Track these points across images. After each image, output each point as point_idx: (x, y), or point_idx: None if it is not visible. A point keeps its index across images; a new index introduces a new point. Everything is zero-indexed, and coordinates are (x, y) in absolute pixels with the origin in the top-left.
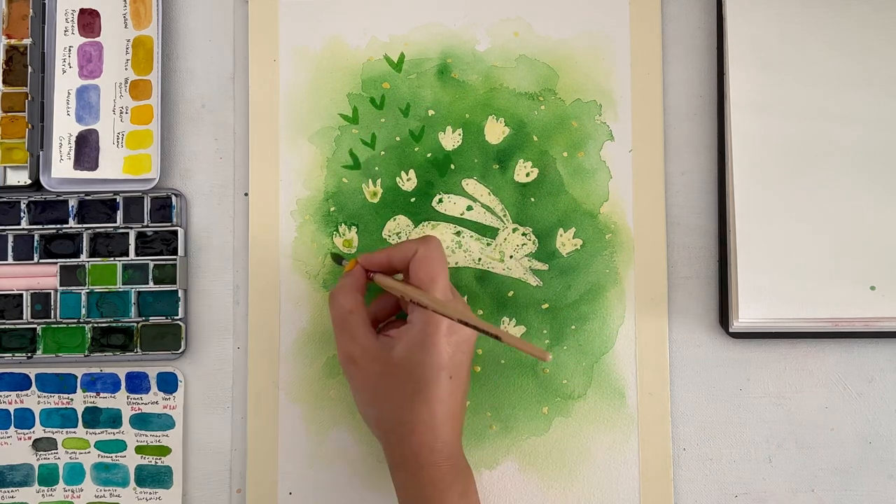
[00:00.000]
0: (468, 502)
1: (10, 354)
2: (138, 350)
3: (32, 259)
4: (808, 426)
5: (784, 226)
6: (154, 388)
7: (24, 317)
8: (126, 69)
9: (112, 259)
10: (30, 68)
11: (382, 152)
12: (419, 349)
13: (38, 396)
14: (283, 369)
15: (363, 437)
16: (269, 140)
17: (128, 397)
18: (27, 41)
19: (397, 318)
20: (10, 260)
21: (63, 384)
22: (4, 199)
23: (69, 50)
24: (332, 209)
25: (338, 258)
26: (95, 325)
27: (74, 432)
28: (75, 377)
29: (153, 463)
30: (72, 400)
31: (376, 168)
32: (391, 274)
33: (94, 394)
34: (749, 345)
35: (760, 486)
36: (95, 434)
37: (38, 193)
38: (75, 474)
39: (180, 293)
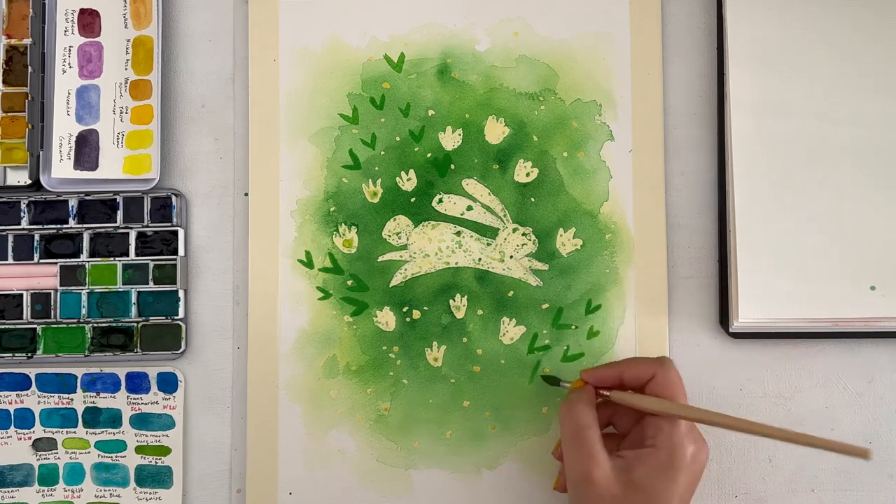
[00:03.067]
0: None
1: (10, 354)
2: (138, 350)
3: (32, 259)
4: (808, 426)
5: (784, 226)
6: (154, 388)
7: (24, 317)
8: (126, 69)
9: (112, 259)
10: (30, 68)
11: (382, 152)
12: (662, 477)
13: (38, 396)
14: (283, 369)
15: (363, 437)
16: (269, 140)
17: (128, 397)
18: (27, 41)
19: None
20: (10, 260)
21: (63, 384)
22: (4, 199)
23: (69, 50)
24: (332, 209)
25: (554, 380)
26: (95, 325)
27: (74, 432)
28: (75, 377)
29: (153, 463)
30: (72, 400)
31: (376, 168)
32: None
33: (94, 394)
34: (749, 345)
35: (760, 486)
36: (95, 434)
37: (38, 193)
38: (75, 474)
39: (180, 293)
